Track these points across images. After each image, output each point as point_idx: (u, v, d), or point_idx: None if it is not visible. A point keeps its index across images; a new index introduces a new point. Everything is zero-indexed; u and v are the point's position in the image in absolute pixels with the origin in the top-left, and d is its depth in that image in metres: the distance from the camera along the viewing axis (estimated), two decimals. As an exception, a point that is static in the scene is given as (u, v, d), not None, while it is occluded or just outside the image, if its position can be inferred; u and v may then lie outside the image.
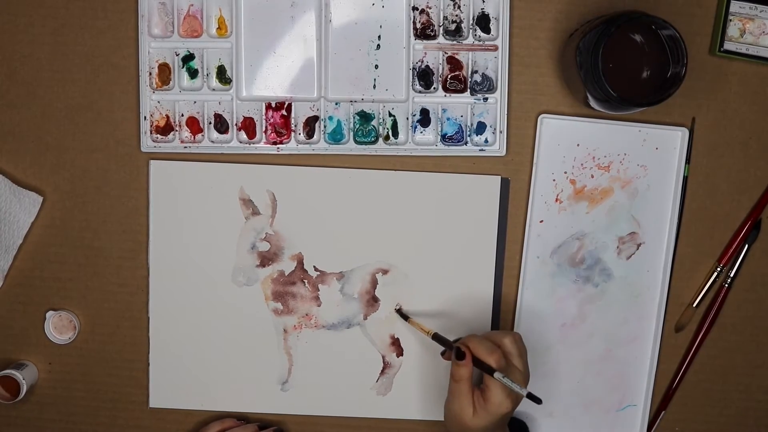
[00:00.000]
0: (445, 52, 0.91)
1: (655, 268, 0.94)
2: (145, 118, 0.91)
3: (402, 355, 0.95)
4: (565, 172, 0.92)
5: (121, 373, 0.96)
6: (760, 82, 0.92)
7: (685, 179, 0.93)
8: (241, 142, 0.92)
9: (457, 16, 0.91)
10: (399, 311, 0.94)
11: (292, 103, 0.92)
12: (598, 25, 0.83)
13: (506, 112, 0.91)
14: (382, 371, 0.95)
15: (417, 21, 0.91)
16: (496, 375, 0.81)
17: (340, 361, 0.95)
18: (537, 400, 0.80)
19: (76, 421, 0.96)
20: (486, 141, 0.92)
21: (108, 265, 0.94)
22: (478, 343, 0.83)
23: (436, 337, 0.88)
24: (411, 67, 0.91)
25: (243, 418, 0.95)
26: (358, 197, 0.93)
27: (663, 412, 0.96)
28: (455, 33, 0.91)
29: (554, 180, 0.92)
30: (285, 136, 0.92)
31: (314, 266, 0.94)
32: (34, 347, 0.95)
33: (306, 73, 0.91)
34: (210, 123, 0.92)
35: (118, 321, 0.95)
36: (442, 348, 0.88)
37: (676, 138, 0.92)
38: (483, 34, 0.91)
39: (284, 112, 0.92)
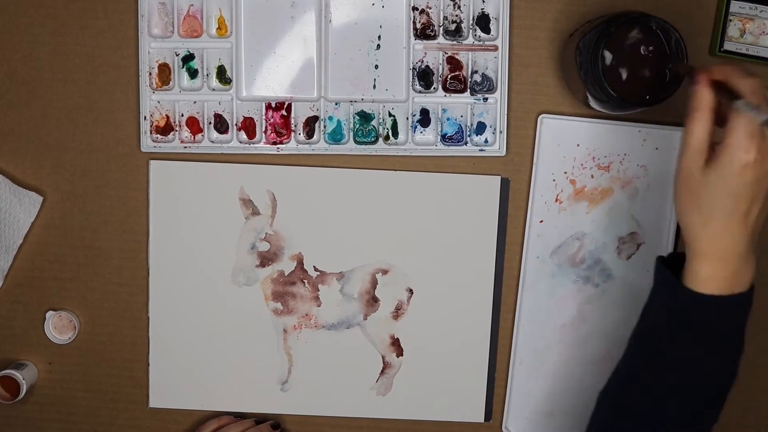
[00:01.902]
0: (445, 52, 0.91)
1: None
2: (145, 118, 0.91)
3: (402, 355, 0.95)
4: (565, 172, 0.92)
5: (121, 373, 0.96)
6: (760, 82, 0.92)
7: (685, 179, 0.93)
8: (241, 142, 0.92)
9: (457, 16, 0.91)
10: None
11: (292, 103, 0.92)
12: (598, 25, 0.83)
13: (506, 112, 0.91)
14: (382, 371, 0.95)
15: (417, 21, 0.91)
16: (740, 103, 0.64)
17: (339, 361, 0.95)
18: None
19: (76, 421, 0.96)
20: (486, 141, 0.92)
21: (108, 265, 0.94)
22: (726, 68, 0.68)
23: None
24: (411, 67, 0.91)
25: (240, 415, 0.95)
26: (358, 197, 0.93)
27: (663, 412, 0.96)
28: (455, 33, 0.91)
29: (554, 180, 0.92)
30: (285, 136, 0.92)
31: (314, 266, 0.94)
32: (34, 347, 0.95)
33: (306, 73, 0.91)
34: (210, 123, 0.92)
35: (118, 321, 0.95)
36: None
37: (676, 138, 0.92)
38: (483, 34, 0.91)
39: (284, 112, 0.92)
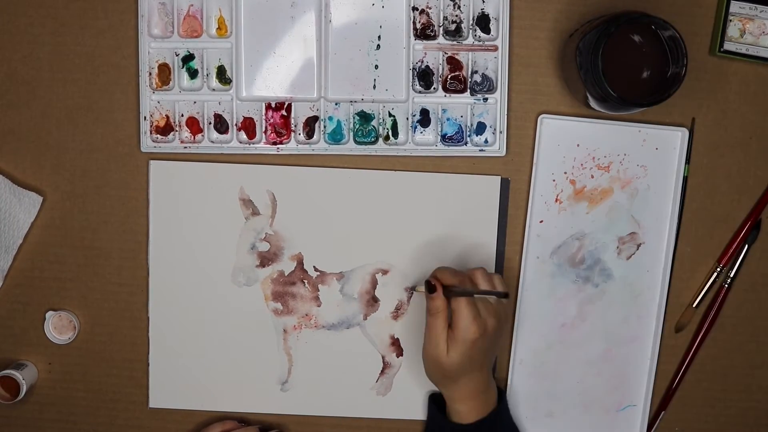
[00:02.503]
0: (445, 53, 0.91)
1: (655, 268, 0.94)
2: (145, 118, 0.91)
3: (402, 355, 0.95)
4: (565, 173, 0.92)
5: (121, 373, 0.96)
6: (760, 82, 0.92)
7: (685, 179, 0.93)
8: (240, 143, 0.92)
9: (457, 16, 0.91)
10: (413, 289, 0.94)
11: (292, 104, 0.92)
12: (598, 25, 0.83)
13: (506, 113, 0.91)
14: (382, 371, 0.95)
15: (417, 21, 0.91)
16: (455, 289, 0.83)
17: (339, 362, 0.95)
18: (502, 295, 0.83)
19: (76, 421, 0.96)
20: (486, 141, 0.92)
21: (108, 265, 0.94)
22: (445, 271, 0.85)
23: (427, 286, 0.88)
24: (411, 68, 0.91)
25: (243, 420, 0.95)
26: (358, 197, 0.93)
27: (663, 412, 0.96)
28: (455, 33, 0.91)
29: (554, 180, 0.92)
30: (285, 137, 0.92)
31: (314, 266, 0.94)
32: (34, 347, 0.95)
33: (306, 74, 0.91)
34: (210, 123, 0.92)
35: (118, 321, 0.95)
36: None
37: (676, 138, 0.92)
38: (483, 35, 0.91)
39: (284, 113, 0.92)
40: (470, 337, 0.82)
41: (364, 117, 0.92)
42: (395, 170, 0.93)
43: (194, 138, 0.92)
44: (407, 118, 0.92)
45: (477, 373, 0.86)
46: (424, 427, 0.94)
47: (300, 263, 0.94)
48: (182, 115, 0.92)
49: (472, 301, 0.83)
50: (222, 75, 0.91)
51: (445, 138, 0.92)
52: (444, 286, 0.84)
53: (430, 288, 0.84)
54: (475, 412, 0.87)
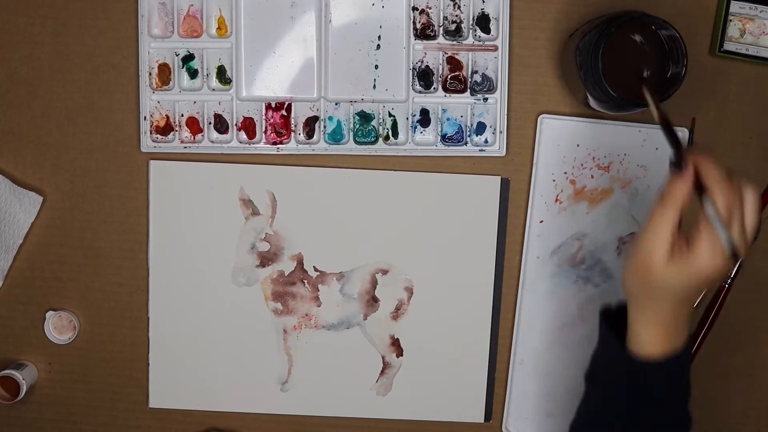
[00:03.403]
0: (445, 53, 0.91)
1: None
2: (145, 118, 0.91)
3: (402, 355, 0.95)
4: (565, 173, 0.92)
5: (121, 373, 0.96)
6: (760, 82, 0.92)
7: (685, 179, 0.92)
8: (241, 142, 0.92)
9: (457, 16, 0.91)
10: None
11: (292, 104, 0.92)
12: (598, 25, 0.83)
13: (506, 113, 0.91)
14: (382, 371, 0.95)
15: (417, 21, 0.91)
16: (710, 211, 0.63)
17: (339, 362, 0.95)
18: (735, 256, 0.63)
19: (76, 421, 0.96)
20: (486, 141, 0.92)
21: (108, 265, 0.94)
22: (713, 167, 0.65)
23: (665, 124, 0.70)
24: (411, 67, 0.91)
25: None
26: (358, 197, 0.93)
27: (663, 413, 0.95)
28: (455, 33, 0.91)
29: (554, 180, 0.92)
30: (285, 136, 0.92)
31: (314, 266, 0.94)
32: (34, 347, 0.95)
33: (306, 73, 0.91)
34: (210, 123, 0.92)
35: (118, 321, 0.95)
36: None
37: (676, 138, 0.92)
38: (483, 35, 0.91)
39: (284, 113, 0.92)
40: (706, 269, 0.65)
41: (364, 117, 0.92)
42: (395, 170, 0.93)
43: (194, 138, 0.92)
44: (407, 118, 0.92)
45: (682, 306, 0.69)
46: (595, 350, 0.77)
47: (300, 263, 0.94)
48: (182, 115, 0.92)
49: (729, 224, 0.64)
50: (222, 75, 0.91)
51: (445, 138, 0.92)
52: (698, 178, 0.64)
53: (679, 162, 0.65)
54: (660, 346, 0.70)
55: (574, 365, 0.95)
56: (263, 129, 0.92)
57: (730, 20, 0.89)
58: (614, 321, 0.74)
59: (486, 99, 0.91)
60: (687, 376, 0.73)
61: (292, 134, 0.92)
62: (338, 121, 0.92)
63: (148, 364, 0.95)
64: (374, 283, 0.94)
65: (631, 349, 0.71)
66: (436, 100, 0.91)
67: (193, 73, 0.91)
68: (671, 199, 0.65)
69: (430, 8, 0.90)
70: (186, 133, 0.92)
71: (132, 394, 0.96)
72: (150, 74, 0.91)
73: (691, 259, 0.65)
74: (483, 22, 0.91)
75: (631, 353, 0.71)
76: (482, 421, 0.96)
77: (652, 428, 0.73)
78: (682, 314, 0.70)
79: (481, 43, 0.91)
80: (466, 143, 0.92)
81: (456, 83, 0.91)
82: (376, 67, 0.91)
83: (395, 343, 0.95)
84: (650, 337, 0.70)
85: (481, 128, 0.92)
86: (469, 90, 0.91)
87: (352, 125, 0.92)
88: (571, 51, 0.85)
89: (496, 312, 0.94)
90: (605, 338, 0.74)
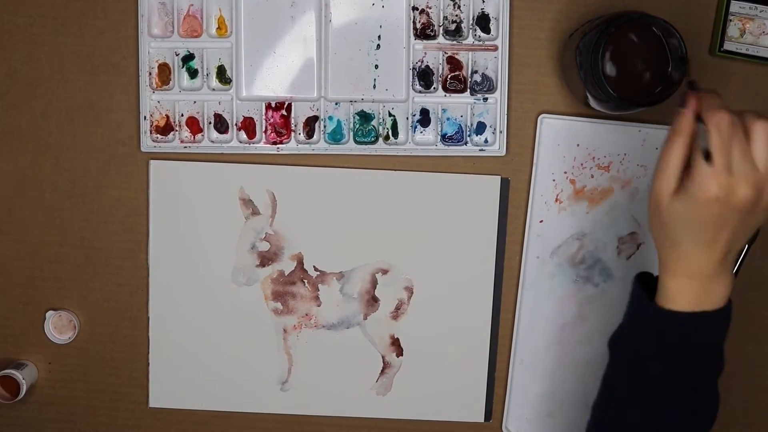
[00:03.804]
0: (445, 52, 0.91)
1: (656, 268, 0.94)
2: (145, 118, 0.91)
3: (402, 355, 0.95)
4: (565, 172, 0.92)
5: (121, 373, 0.96)
6: (760, 82, 0.92)
7: (685, 179, 0.92)
8: (241, 142, 0.92)
9: (457, 16, 0.91)
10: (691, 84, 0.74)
11: (292, 103, 0.92)
12: (598, 25, 0.83)
13: (506, 112, 0.91)
14: (382, 371, 0.95)
15: (417, 21, 0.91)
16: (700, 134, 0.65)
17: (340, 361, 0.95)
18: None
19: (76, 421, 0.96)
20: (486, 141, 0.92)
21: (108, 265, 0.94)
22: (712, 98, 0.67)
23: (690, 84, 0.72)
24: (411, 67, 0.91)
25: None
26: (358, 197, 0.93)
27: (663, 412, 0.95)
28: (455, 33, 0.91)
29: (554, 180, 0.92)
30: (285, 136, 0.92)
31: (314, 266, 0.94)
32: (34, 347, 0.95)
33: (306, 73, 0.91)
34: (210, 123, 0.92)
35: (118, 321, 0.95)
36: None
37: (676, 138, 0.92)
38: (483, 34, 0.91)
39: (284, 112, 0.92)
40: (702, 194, 0.65)
41: (364, 117, 0.92)
42: (395, 170, 0.93)
43: (194, 138, 0.92)
44: (407, 118, 0.92)
45: (702, 249, 0.68)
46: (627, 308, 0.75)
47: (300, 263, 0.94)
48: (182, 115, 0.92)
49: (727, 149, 0.65)
50: (222, 75, 0.91)
51: (445, 138, 0.92)
52: (699, 113, 0.67)
53: (683, 99, 0.67)
54: (689, 297, 0.69)
55: (574, 365, 0.95)
56: (263, 129, 0.92)
57: (730, 20, 0.89)
58: (647, 287, 0.73)
59: (486, 99, 0.91)
60: (718, 342, 0.70)
61: (292, 134, 0.92)
62: (338, 121, 0.92)
63: (148, 364, 0.95)
64: (374, 283, 0.94)
65: (659, 304, 0.70)
66: (436, 99, 0.91)
67: (193, 73, 0.91)
68: (674, 133, 0.67)
69: (430, 8, 0.90)
70: (186, 133, 0.92)
71: (132, 393, 0.96)
72: (150, 74, 0.91)
73: (689, 187, 0.66)
74: (483, 21, 0.91)
75: (659, 309, 0.70)
76: (482, 420, 0.96)
77: (679, 396, 0.71)
78: (711, 262, 0.68)
79: (481, 42, 0.91)
80: (466, 143, 0.92)
81: (456, 83, 0.91)
82: (376, 66, 0.91)
83: (395, 343, 0.95)
84: (678, 288, 0.69)
85: (481, 128, 0.92)
86: (469, 90, 0.91)
87: (352, 125, 0.92)
88: (571, 51, 0.85)
89: (496, 312, 0.94)
90: (636, 296, 0.73)
